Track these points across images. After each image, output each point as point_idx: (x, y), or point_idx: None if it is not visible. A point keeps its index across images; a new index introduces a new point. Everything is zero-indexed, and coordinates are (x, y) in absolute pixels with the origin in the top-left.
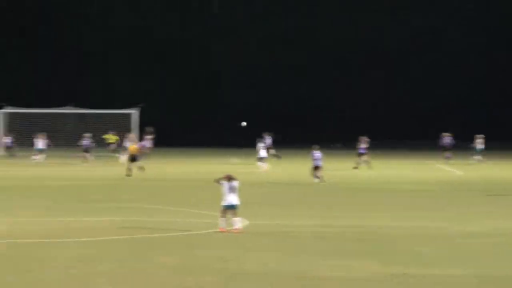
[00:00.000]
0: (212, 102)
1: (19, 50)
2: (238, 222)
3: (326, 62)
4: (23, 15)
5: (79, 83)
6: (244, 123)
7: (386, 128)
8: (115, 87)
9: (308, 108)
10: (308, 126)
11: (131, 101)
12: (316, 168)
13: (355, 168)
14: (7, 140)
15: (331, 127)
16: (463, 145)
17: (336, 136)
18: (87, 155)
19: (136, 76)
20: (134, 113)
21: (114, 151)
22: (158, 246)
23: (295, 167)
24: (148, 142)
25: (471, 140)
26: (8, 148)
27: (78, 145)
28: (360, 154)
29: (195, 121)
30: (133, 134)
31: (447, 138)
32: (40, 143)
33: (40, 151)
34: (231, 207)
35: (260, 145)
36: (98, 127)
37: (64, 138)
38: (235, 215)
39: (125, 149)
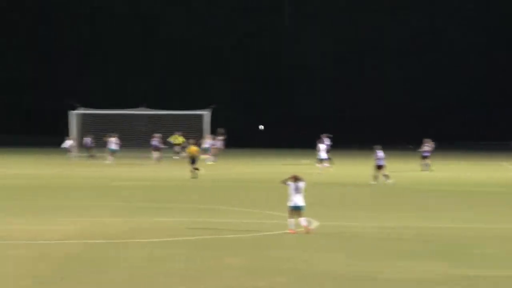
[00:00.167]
0: (282, 104)
1: (93, 57)
2: (304, 222)
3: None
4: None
5: (146, 83)
6: (261, 127)
7: (449, 128)
8: (191, 88)
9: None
10: (364, 127)
11: (203, 103)
12: (379, 167)
13: (425, 171)
14: (87, 139)
15: (397, 127)
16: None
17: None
18: (157, 155)
19: (207, 76)
20: (206, 114)
21: (178, 152)
22: (227, 246)
23: (354, 168)
24: (219, 143)
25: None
26: (88, 148)
27: (149, 146)
28: (424, 157)
29: (265, 122)
30: (210, 135)
31: None
32: (113, 144)
33: (113, 151)
34: (296, 208)
35: (321, 146)
36: (169, 128)
37: (134, 139)
38: (300, 215)
39: (206, 150)
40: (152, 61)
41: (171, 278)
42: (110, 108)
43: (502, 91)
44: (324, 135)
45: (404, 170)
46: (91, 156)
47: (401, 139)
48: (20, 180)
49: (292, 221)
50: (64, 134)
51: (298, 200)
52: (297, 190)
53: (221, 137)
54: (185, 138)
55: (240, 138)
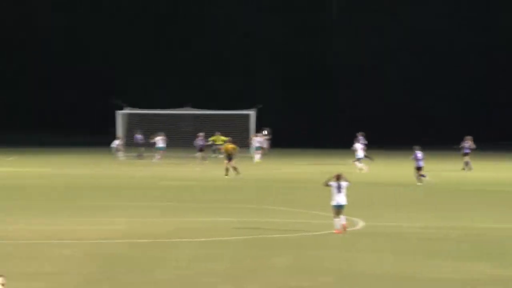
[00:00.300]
0: (328, 104)
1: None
2: (343, 220)
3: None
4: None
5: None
6: (265, 131)
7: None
8: (234, 89)
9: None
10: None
11: (249, 103)
12: (419, 168)
13: (467, 170)
14: (138, 136)
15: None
16: None
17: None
18: (201, 155)
19: (249, 76)
20: (252, 114)
21: (215, 151)
22: (273, 246)
23: (393, 167)
24: (265, 142)
25: None
26: (138, 145)
27: (194, 146)
28: (465, 154)
29: (310, 123)
30: (259, 133)
31: None
32: (161, 142)
33: (160, 149)
34: (339, 207)
35: (358, 145)
36: (214, 128)
37: (180, 139)
38: (341, 213)
39: (257, 149)
40: (197, 62)
41: (216, 278)
42: (154, 108)
43: (502, 91)
44: (360, 133)
45: (445, 169)
46: (139, 156)
47: (401, 139)
48: (67, 179)
49: (337, 221)
50: (111, 134)
51: (340, 199)
52: (339, 189)
53: (266, 137)
54: (228, 138)
55: (285, 138)
